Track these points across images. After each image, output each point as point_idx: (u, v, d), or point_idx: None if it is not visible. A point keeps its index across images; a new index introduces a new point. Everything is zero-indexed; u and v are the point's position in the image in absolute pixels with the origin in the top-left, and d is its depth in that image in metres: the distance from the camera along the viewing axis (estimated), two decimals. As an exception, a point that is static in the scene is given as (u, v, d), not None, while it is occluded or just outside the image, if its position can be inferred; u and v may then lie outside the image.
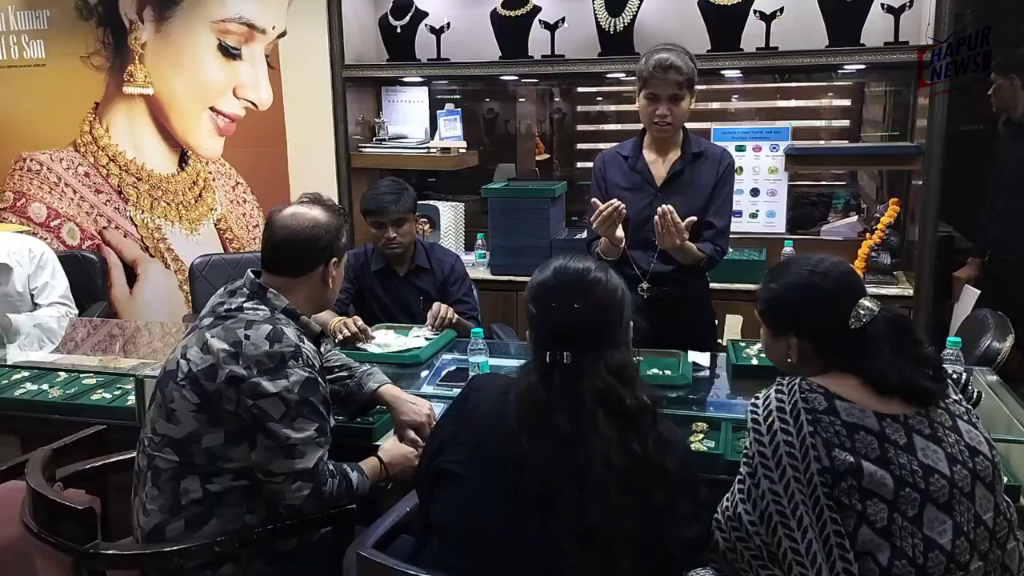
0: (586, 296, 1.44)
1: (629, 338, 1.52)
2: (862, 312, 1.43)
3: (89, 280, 3.82)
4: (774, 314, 1.54)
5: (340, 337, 2.56)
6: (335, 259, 1.93)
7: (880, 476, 1.31)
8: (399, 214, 2.88)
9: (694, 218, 2.42)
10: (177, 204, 4.37)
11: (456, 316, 2.80)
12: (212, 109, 4.18)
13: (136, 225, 4.43)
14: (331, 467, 1.81)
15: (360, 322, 2.65)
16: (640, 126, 2.67)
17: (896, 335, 1.43)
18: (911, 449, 1.34)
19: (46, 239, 4.32)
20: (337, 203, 2.01)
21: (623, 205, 2.43)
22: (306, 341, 1.83)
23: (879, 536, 1.30)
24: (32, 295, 3.29)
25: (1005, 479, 1.51)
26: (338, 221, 1.94)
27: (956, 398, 1.46)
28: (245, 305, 1.82)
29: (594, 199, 2.49)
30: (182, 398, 1.75)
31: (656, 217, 2.39)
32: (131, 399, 2.40)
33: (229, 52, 4.07)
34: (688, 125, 2.67)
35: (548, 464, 1.36)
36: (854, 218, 3.88)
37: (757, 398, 1.44)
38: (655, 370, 2.30)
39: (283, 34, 4.03)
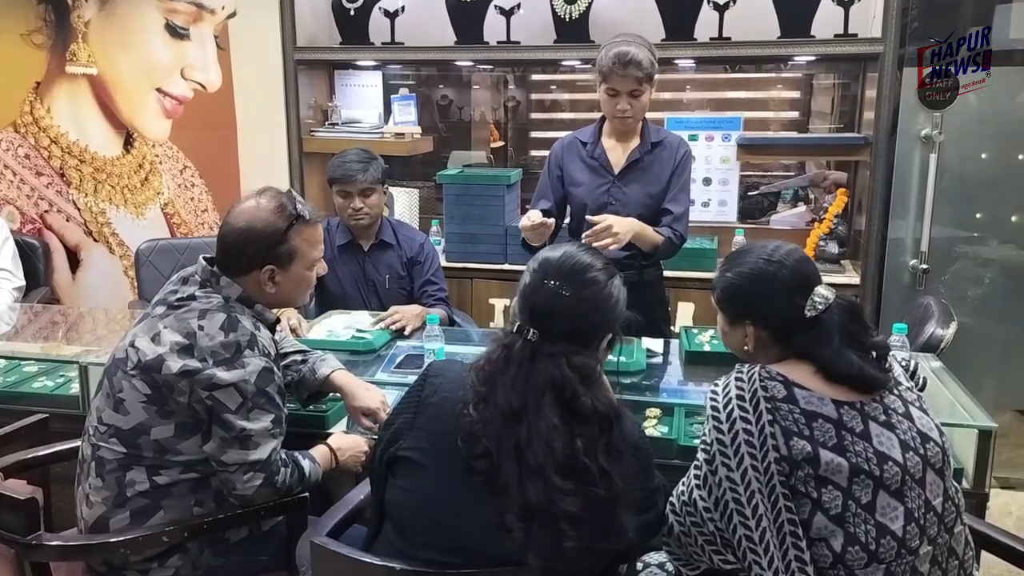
0: (579, 288, 1.44)
1: (603, 348, 1.50)
2: (817, 300, 1.45)
3: (30, 265, 3.71)
4: (730, 303, 1.55)
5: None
6: (272, 267, 1.80)
7: (836, 464, 1.33)
8: (367, 183, 2.82)
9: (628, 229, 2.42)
10: (122, 187, 4.26)
11: (412, 324, 2.67)
12: (159, 90, 4.07)
13: (79, 209, 4.30)
14: (283, 456, 1.78)
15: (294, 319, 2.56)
16: (597, 114, 2.68)
17: (849, 323, 1.45)
18: (867, 436, 1.37)
19: (-16, 222, 4.18)
20: (297, 196, 1.86)
21: (552, 222, 2.47)
22: (262, 329, 1.80)
23: (833, 523, 1.33)
24: None
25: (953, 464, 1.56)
26: (278, 225, 1.78)
27: (908, 385, 1.49)
28: (197, 293, 1.78)
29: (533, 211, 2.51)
30: (132, 388, 1.71)
31: (585, 236, 2.39)
32: (75, 387, 2.35)
33: (177, 32, 3.97)
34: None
35: (491, 434, 1.37)
36: (802, 208, 3.95)
37: (716, 385, 1.45)
38: (609, 356, 2.31)
39: (233, 14, 3.93)
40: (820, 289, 1.46)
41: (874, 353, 1.45)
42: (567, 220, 2.83)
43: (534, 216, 2.47)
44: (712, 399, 1.44)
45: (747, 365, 1.46)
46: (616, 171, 2.63)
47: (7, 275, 3.31)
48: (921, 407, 1.46)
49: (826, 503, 1.33)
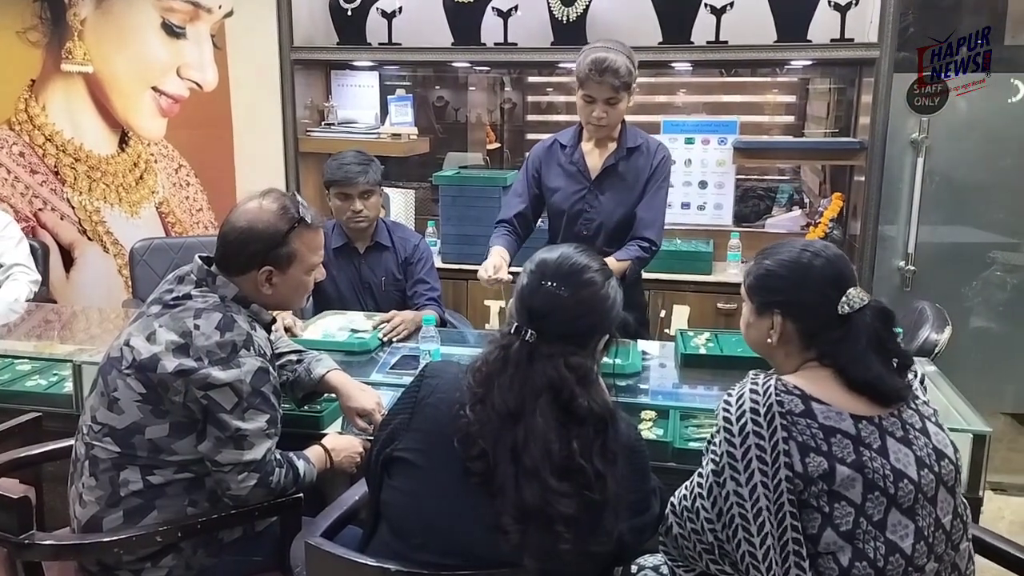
0: (576, 289, 1.44)
1: (600, 349, 1.50)
2: (853, 299, 1.40)
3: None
4: (762, 290, 1.49)
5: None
6: (270, 268, 1.79)
7: (851, 480, 1.31)
8: (366, 186, 2.81)
9: None
10: (117, 186, 4.25)
11: (408, 329, 2.64)
12: (155, 89, 4.06)
13: (73, 207, 4.29)
14: (278, 456, 1.78)
15: (288, 319, 2.54)
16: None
17: (880, 328, 1.41)
18: (884, 452, 1.34)
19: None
20: (300, 199, 1.85)
21: (509, 279, 2.42)
22: (258, 328, 1.79)
23: (842, 538, 1.30)
24: None
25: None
26: (279, 227, 1.78)
27: (924, 399, 1.46)
28: (193, 292, 1.77)
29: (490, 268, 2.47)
30: (126, 387, 1.70)
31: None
32: (68, 386, 2.33)
33: (173, 31, 3.96)
34: (638, 118, 2.68)
35: (487, 435, 1.37)
36: (797, 212, 3.96)
37: (730, 395, 1.41)
38: (604, 359, 2.31)
39: (230, 13, 3.93)
40: (853, 291, 1.42)
41: (895, 362, 1.42)
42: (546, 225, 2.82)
43: (492, 268, 2.44)
44: (725, 410, 1.39)
45: (762, 376, 1.41)
46: (593, 176, 2.62)
47: (24, 269, 3.39)
48: (937, 422, 1.44)
49: (837, 518, 1.31)
